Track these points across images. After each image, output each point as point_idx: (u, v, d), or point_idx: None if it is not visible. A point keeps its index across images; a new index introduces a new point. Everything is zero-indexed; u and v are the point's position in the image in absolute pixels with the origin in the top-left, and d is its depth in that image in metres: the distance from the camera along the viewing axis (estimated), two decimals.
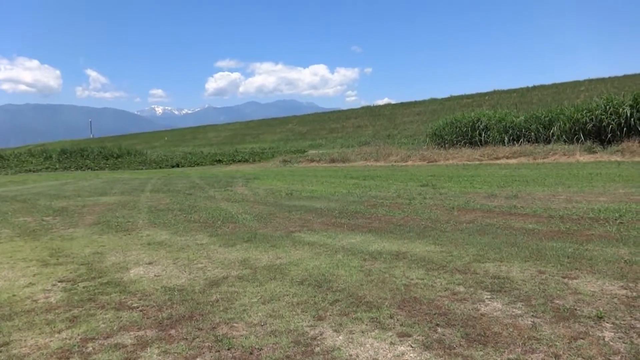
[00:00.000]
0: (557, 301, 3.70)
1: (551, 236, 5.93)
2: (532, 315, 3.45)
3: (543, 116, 23.45)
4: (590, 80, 44.42)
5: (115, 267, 5.37)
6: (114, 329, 3.55)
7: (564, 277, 4.27)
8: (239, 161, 35.04)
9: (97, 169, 35.53)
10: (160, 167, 34.54)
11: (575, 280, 4.17)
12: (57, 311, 3.97)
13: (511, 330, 3.22)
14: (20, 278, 5.05)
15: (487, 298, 3.85)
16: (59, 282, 4.86)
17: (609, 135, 19.88)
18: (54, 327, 3.63)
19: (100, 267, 5.42)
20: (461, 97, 52.22)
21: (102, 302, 4.18)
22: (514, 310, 3.57)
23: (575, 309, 3.52)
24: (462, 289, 4.10)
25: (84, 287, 4.62)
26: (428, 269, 4.75)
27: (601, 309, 3.48)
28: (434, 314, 3.54)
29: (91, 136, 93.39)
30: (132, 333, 3.46)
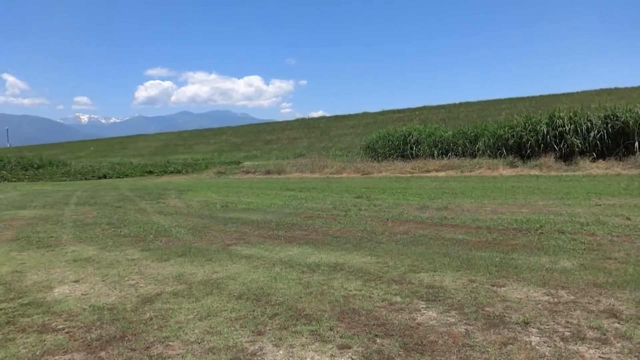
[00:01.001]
0: (488, 308, 3.88)
1: (480, 246, 6.23)
2: (465, 323, 3.59)
3: (469, 132, 24.68)
4: (511, 99, 47.37)
5: (37, 287, 5.01)
6: (37, 353, 3.30)
7: (492, 285, 4.49)
8: (172, 172, 33.94)
9: (15, 181, 33.03)
10: (86, 179, 32.72)
11: (503, 288, 4.40)
12: None
13: (446, 338, 3.33)
14: None
15: (422, 307, 3.97)
16: None
17: (529, 151, 21.26)
18: None
19: (20, 286, 5.03)
20: (393, 112, 53.86)
21: (23, 324, 3.88)
22: (448, 318, 3.70)
23: (504, 316, 3.71)
24: (398, 299, 4.20)
25: (1, 310, 4.27)
26: (365, 280, 4.82)
27: (527, 315, 3.69)
28: (373, 325, 3.60)
29: (8, 145, 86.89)
30: (57, 357, 3.24)
